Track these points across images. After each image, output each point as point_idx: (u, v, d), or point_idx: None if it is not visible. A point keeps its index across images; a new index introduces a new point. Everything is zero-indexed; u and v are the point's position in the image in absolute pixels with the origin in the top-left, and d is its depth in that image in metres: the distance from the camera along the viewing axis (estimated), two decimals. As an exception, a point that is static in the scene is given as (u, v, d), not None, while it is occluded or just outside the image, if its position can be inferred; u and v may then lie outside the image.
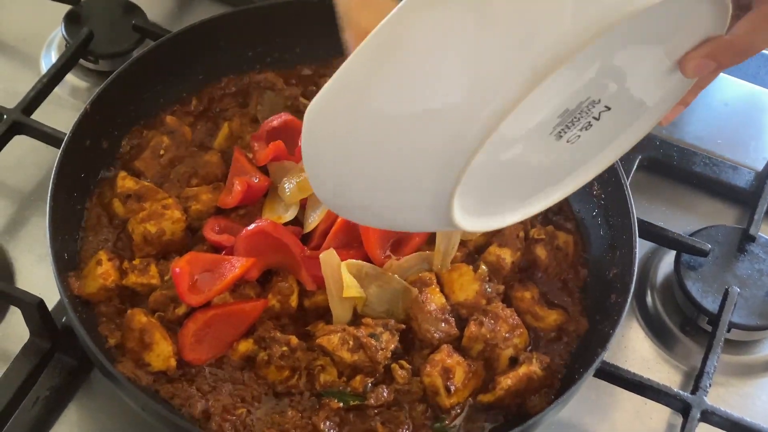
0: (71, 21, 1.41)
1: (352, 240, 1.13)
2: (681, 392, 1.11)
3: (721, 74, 1.48)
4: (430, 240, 1.14)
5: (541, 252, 1.17)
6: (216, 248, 1.13)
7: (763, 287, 1.23)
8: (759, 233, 1.28)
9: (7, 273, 1.20)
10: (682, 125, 1.45)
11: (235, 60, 1.32)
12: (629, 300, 1.07)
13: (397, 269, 1.11)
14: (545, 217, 1.22)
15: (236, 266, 1.07)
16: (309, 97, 1.31)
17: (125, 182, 1.17)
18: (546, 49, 0.66)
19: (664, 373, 1.20)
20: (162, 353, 1.04)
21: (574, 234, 1.20)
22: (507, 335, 1.07)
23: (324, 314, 1.10)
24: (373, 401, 1.04)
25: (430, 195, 0.73)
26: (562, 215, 1.23)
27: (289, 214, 1.16)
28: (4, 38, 1.47)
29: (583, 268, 1.18)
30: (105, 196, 1.19)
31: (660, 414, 1.15)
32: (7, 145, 1.25)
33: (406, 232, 1.14)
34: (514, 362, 1.08)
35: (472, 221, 0.78)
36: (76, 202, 1.17)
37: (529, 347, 1.11)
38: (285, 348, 1.05)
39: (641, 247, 1.14)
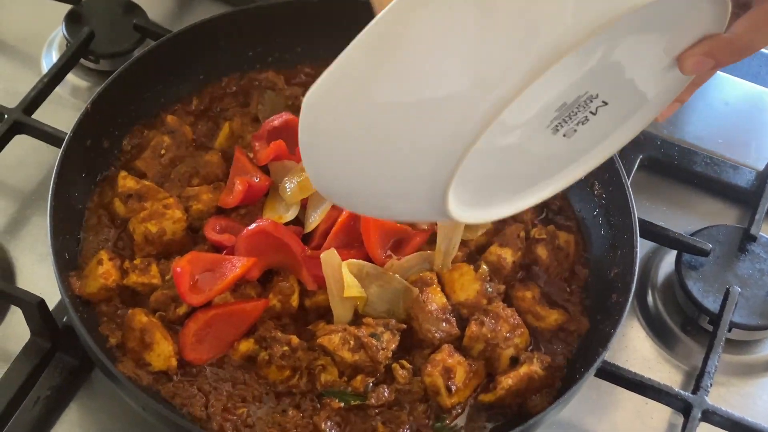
0: (72, 20, 1.41)
1: (353, 240, 1.13)
2: (682, 392, 1.10)
3: (722, 74, 1.50)
4: (430, 240, 1.14)
5: (542, 252, 1.17)
6: (217, 248, 1.13)
7: (764, 287, 1.23)
8: (760, 233, 1.28)
9: (8, 272, 1.20)
10: (683, 125, 1.45)
11: (236, 59, 1.32)
12: (630, 300, 1.07)
13: (398, 269, 1.11)
14: (546, 217, 1.23)
15: (237, 266, 1.07)
16: (310, 96, 1.30)
17: (126, 182, 1.17)
18: (547, 40, 0.66)
19: (665, 372, 1.20)
20: (163, 353, 1.04)
21: (575, 234, 1.20)
22: (508, 335, 1.07)
23: (325, 314, 1.10)
24: (374, 401, 1.04)
25: (427, 184, 0.73)
26: (563, 215, 1.23)
27: (290, 214, 1.16)
28: (4, 38, 1.47)
29: (584, 268, 1.18)
30: (106, 195, 1.19)
31: (661, 414, 1.15)
32: (8, 145, 1.25)
33: (406, 232, 1.14)
34: (515, 362, 1.08)
35: (467, 212, 0.78)
36: (77, 201, 1.17)
37: (530, 347, 1.11)
38: (286, 348, 1.05)
39: (642, 246, 1.14)
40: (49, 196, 1.08)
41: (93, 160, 1.20)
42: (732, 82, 1.50)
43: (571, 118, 0.79)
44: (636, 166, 1.32)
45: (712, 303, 1.21)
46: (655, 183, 1.37)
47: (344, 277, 1.06)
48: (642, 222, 1.18)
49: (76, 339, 1.06)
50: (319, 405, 1.04)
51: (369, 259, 1.11)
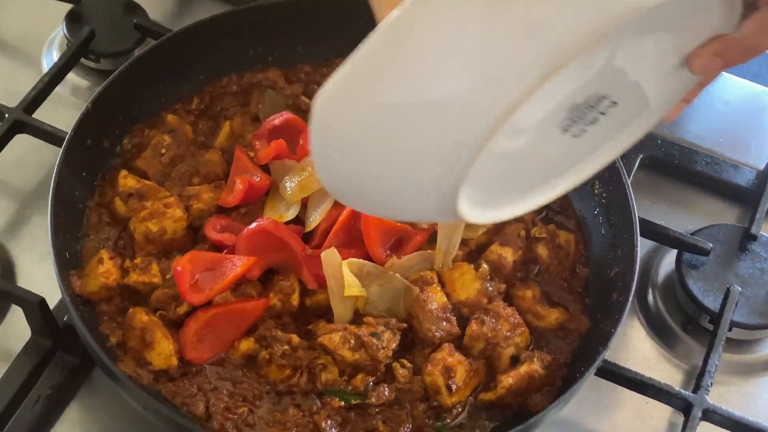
0: (72, 20, 1.41)
1: (353, 239, 1.13)
2: (682, 391, 1.10)
3: (723, 73, 1.49)
4: (431, 239, 1.14)
5: (542, 251, 1.17)
6: (217, 247, 1.13)
7: (765, 286, 1.23)
8: (760, 232, 1.28)
9: (8, 272, 1.21)
10: (684, 124, 1.45)
11: (236, 59, 1.32)
12: (630, 299, 1.07)
13: (398, 268, 1.11)
14: (546, 216, 1.23)
15: (237, 265, 1.07)
16: (310, 95, 1.30)
17: (127, 181, 1.17)
18: (556, 42, 0.66)
19: (666, 371, 1.20)
20: (163, 352, 1.04)
21: (575, 233, 1.20)
22: (508, 334, 1.07)
23: (325, 313, 1.10)
24: (374, 400, 1.04)
25: (438, 185, 0.73)
26: (563, 214, 1.23)
27: (291, 213, 1.16)
28: (5, 37, 1.47)
29: (584, 267, 1.18)
30: (106, 194, 1.19)
31: (661, 413, 1.15)
32: (9, 144, 1.26)
33: (407, 231, 1.14)
34: (515, 361, 1.08)
35: (477, 213, 0.78)
36: (78, 201, 1.17)
37: (531, 346, 1.11)
38: (286, 347, 1.05)
39: (642, 246, 1.14)
40: (50, 195, 1.08)
41: (93, 160, 1.20)
42: (732, 82, 1.50)
43: (581, 119, 0.79)
44: (636, 165, 1.32)
45: (712, 302, 1.21)
46: (656, 182, 1.37)
47: (345, 276, 1.07)
48: (642, 221, 1.18)
49: (76, 338, 1.06)
50: (319, 404, 1.04)
51: (369, 258, 1.11)
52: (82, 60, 1.40)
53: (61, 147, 1.13)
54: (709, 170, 1.36)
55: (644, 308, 1.26)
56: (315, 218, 1.15)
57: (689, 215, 1.35)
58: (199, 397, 1.03)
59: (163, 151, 1.22)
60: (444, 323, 1.07)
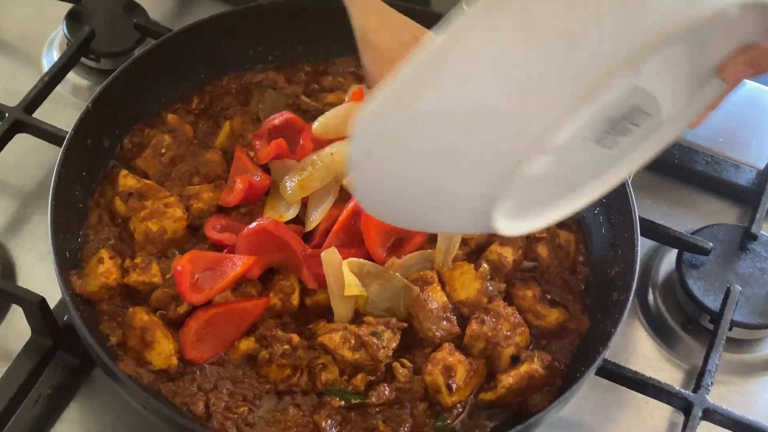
0: (73, 19, 1.42)
1: (353, 238, 1.13)
2: (683, 390, 1.10)
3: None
4: (431, 238, 1.14)
5: (542, 250, 1.17)
6: (217, 247, 1.13)
7: (765, 285, 1.23)
8: (761, 231, 1.28)
9: (8, 271, 1.21)
10: (684, 124, 1.45)
11: (237, 58, 1.32)
12: (631, 298, 1.07)
13: (398, 268, 1.11)
14: (547, 216, 1.22)
15: (238, 264, 1.07)
16: (310, 95, 1.31)
17: (127, 180, 1.17)
18: (598, 64, 0.66)
19: (666, 371, 1.20)
20: (163, 351, 1.04)
21: (575, 232, 1.20)
22: (508, 333, 1.07)
23: (325, 313, 1.10)
24: (374, 400, 1.04)
25: (476, 200, 0.75)
26: (563, 214, 1.23)
27: (291, 213, 1.16)
28: (5, 37, 1.47)
29: (584, 267, 1.18)
30: (106, 194, 1.19)
31: (662, 412, 1.15)
32: (9, 144, 1.26)
33: (407, 231, 1.14)
34: (515, 361, 1.08)
35: (510, 225, 0.80)
36: (78, 200, 1.17)
37: (531, 346, 1.11)
38: (286, 346, 1.05)
39: (643, 245, 1.14)
40: (50, 194, 1.08)
41: (94, 159, 1.20)
42: (733, 81, 1.50)
43: (614, 130, 0.80)
44: (637, 165, 1.32)
45: (712, 302, 1.21)
46: (656, 182, 1.37)
47: (345, 275, 1.06)
48: (643, 221, 1.18)
49: (76, 338, 1.06)
50: (319, 404, 1.04)
51: (370, 258, 1.11)
52: (83, 59, 1.40)
53: (61, 147, 1.13)
54: (709, 170, 1.36)
55: (644, 308, 1.26)
56: (315, 218, 1.15)
57: (689, 215, 1.35)
58: (199, 397, 1.03)
59: (163, 150, 1.22)
60: (444, 323, 1.07)
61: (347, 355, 1.04)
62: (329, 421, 1.02)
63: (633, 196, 1.14)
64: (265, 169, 1.20)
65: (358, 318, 1.09)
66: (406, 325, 1.07)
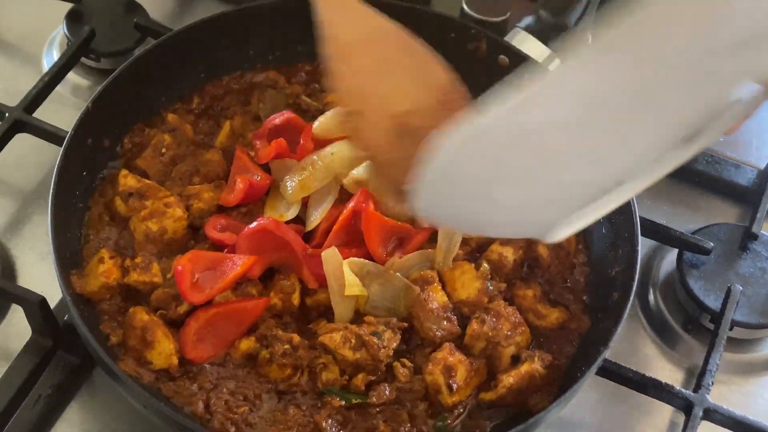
0: (73, 19, 1.41)
1: (354, 238, 1.13)
2: (683, 390, 1.10)
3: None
4: (431, 238, 1.14)
5: (543, 250, 1.17)
6: (218, 246, 1.13)
7: (766, 285, 1.23)
8: (761, 231, 1.28)
9: (9, 271, 1.21)
10: (684, 123, 1.45)
11: (237, 58, 1.32)
12: (631, 298, 1.07)
13: (399, 267, 1.11)
14: (547, 215, 1.22)
15: (238, 264, 1.07)
16: (310, 95, 1.31)
17: (127, 180, 1.17)
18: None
19: (667, 371, 1.20)
20: (164, 351, 1.04)
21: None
22: (509, 333, 1.07)
23: (326, 312, 1.10)
24: (375, 399, 1.04)
25: (544, 219, 0.84)
26: (564, 213, 1.23)
27: (291, 213, 1.16)
28: (5, 37, 1.47)
29: (585, 267, 1.18)
30: (107, 194, 1.19)
31: (662, 412, 1.15)
32: (9, 144, 1.25)
33: (407, 230, 1.14)
34: (516, 360, 1.08)
35: (558, 233, 0.85)
36: (78, 200, 1.17)
37: (531, 345, 1.11)
38: (287, 346, 1.05)
39: (643, 245, 1.14)
40: (50, 194, 1.08)
41: (94, 159, 1.20)
42: (733, 81, 1.50)
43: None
44: (637, 165, 1.32)
45: (713, 301, 1.21)
46: (657, 181, 1.37)
47: (345, 275, 1.06)
48: (643, 220, 1.18)
49: (77, 337, 1.06)
50: (320, 403, 1.04)
51: (370, 258, 1.11)
52: (83, 59, 1.40)
53: (61, 146, 1.13)
54: (710, 169, 1.36)
55: (645, 307, 1.26)
56: (315, 217, 1.15)
57: (690, 214, 1.35)
58: (200, 397, 1.03)
59: (164, 150, 1.22)
60: (445, 322, 1.07)
61: (348, 355, 1.04)
62: (330, 421, 1.02)
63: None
64: (266, 168, 1.20)
65: (358, 318, 1.09)
66: (406, 324, 1.07)
